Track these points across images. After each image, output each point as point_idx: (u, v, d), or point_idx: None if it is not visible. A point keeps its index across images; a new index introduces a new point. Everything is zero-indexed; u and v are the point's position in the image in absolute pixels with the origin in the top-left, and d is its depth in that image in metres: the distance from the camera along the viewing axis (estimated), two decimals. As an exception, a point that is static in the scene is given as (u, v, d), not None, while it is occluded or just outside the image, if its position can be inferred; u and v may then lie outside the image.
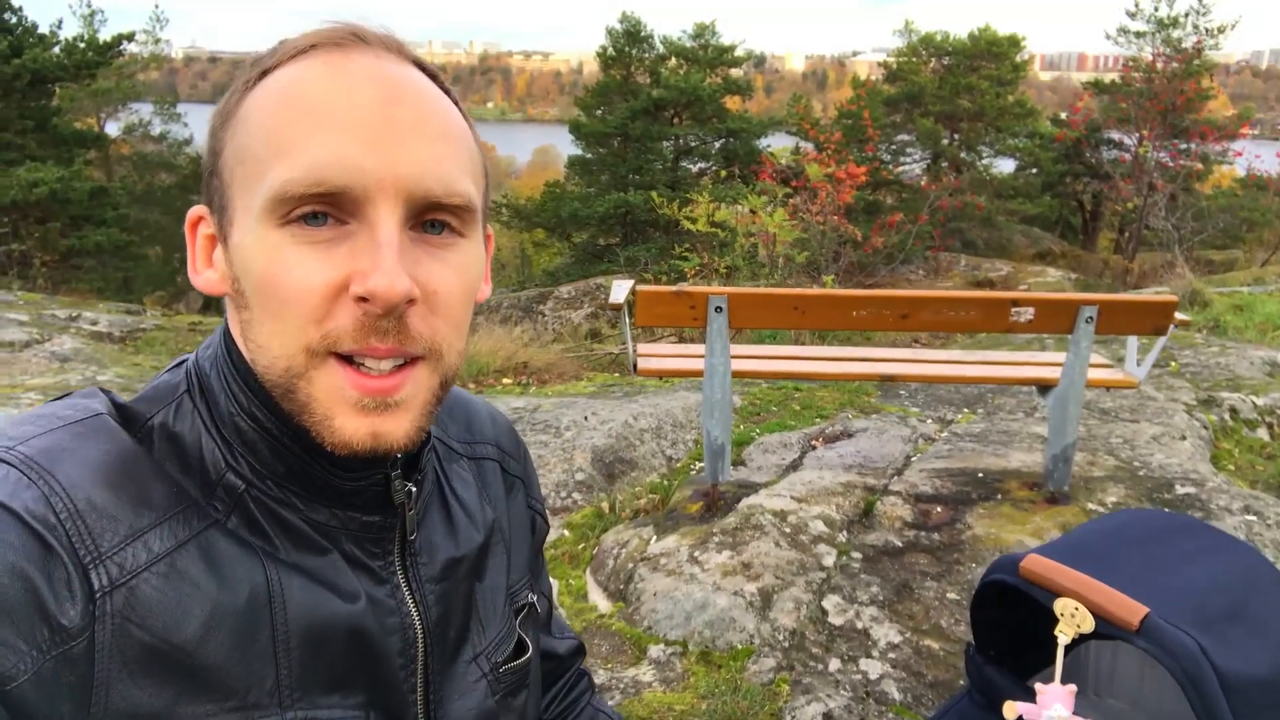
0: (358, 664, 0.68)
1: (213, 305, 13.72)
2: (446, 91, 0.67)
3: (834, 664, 2.57)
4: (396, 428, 0.62)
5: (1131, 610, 1.05)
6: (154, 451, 0.65)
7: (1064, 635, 1.10)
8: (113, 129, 17.80)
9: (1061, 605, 1.11)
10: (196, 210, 0.69)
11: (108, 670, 0.57)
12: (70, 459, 0.60)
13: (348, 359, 0.61)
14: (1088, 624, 1.08)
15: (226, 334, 0.69)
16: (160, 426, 0.66)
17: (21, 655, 0.54)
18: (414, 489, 0.72)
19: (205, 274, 0.68)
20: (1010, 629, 1.32)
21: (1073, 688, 1.11)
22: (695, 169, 18.35)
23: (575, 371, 7.24)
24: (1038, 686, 1.13)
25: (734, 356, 3.17)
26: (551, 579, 3.20)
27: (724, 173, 15.73)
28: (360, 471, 0.68)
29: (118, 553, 0.58)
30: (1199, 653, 1.02)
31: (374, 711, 0.69)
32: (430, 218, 0.63)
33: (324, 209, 0.60)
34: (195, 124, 18.69)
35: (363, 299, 0.59)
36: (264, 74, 0.64)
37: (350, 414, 0.61)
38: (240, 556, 0.63)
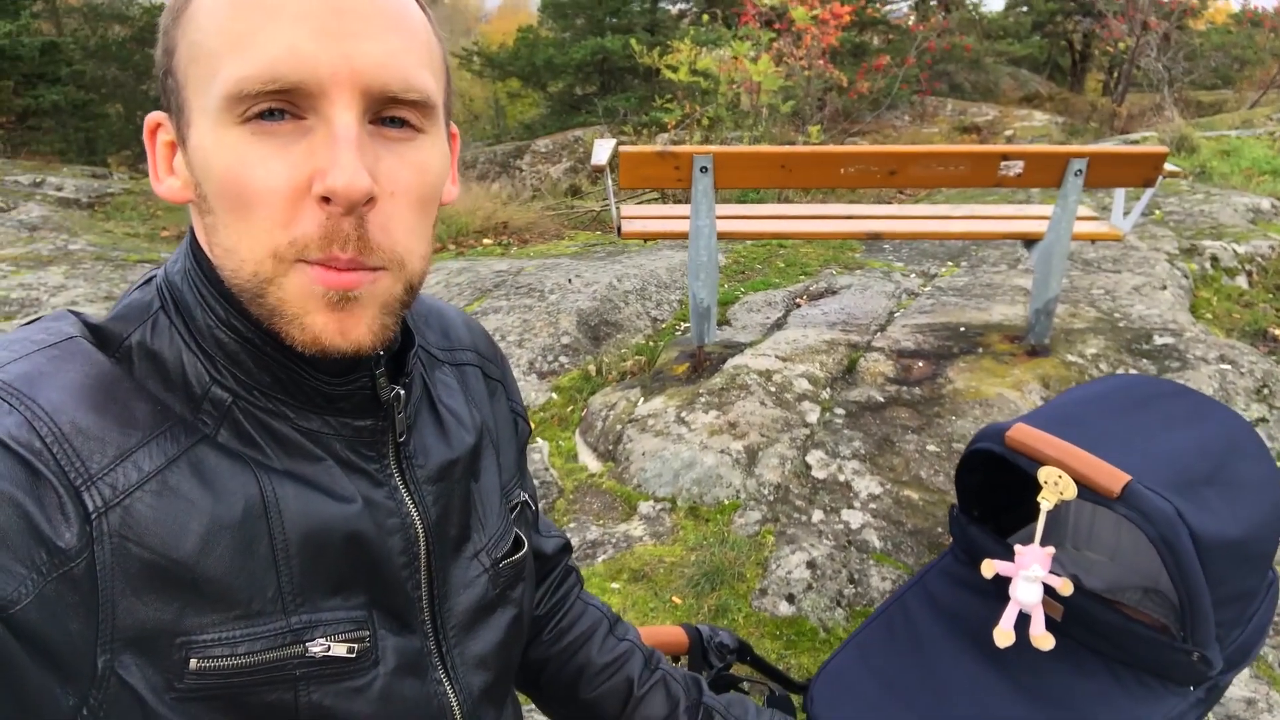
0: (358, 566, 0.69)
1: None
2: None
3: (817, 515, 2.67)
4: (360, 323, 0.62)
5: (1113, 478, 1.08)
6: (134, 371, 0.64)
7: (1046, 502, 1.13)
8: (58, -22, 16.70)
9: (1045, 473, 1.14)
10: (155, 116, 0.66)
11: (111, 588, 0.58)
12: (50, 383, 0.60)
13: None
14: (1070, 491, 1.11)
15: (194, 245, 0.67)
16: (139, 345, 0.65)
17: (21, 579, 0.54)
18: (401, 391, 0.72)
19: (167, 181, 0.66)
20: (993, 492, 1.36)
21: (1051, 550, 1.15)
22: (674, 10, 17.59)
23: (556, 230, 7.15)
24: (1017, 547, 1.18)
25: (719, 217, 3.13)
26: (542, 440, 3.27)
27: (706, 17, 15.07)
28: (346, 375, 0.68)
29: (108, 473, 0.59)
30: (1176, 517, 1.05)
31: (377, 610, 0.71)
32: (389, 114, 0.61)
33: (280, 105, 0.58)
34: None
35: (325, 199, 0.58)
36: None
37: (320, 311, 0.61)
38: (232, 469, 0.64)
